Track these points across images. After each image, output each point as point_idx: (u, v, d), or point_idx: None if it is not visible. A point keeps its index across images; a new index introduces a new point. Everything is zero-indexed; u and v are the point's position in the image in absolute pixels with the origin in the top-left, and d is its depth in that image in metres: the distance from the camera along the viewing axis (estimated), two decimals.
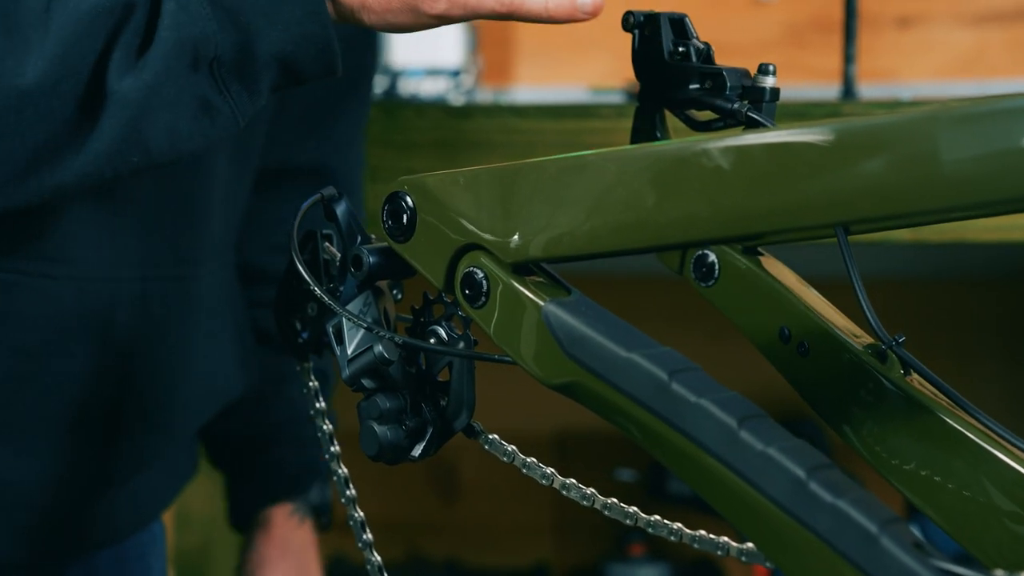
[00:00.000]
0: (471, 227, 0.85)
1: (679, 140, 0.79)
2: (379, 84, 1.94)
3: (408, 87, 1.96)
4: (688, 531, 0.88)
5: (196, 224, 1.19)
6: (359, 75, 1.31)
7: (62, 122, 0.91)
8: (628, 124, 1.34)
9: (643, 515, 0.88)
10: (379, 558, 1.00)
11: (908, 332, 0.86)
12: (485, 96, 2.06)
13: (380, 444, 0.89)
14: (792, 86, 2.00)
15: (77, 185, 0.94)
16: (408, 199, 0.88)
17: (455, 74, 1.96)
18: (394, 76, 1.96)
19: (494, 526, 2.17)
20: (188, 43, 0.91)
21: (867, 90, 1.90)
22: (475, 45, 2.00)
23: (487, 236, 0.85)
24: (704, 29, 1.99)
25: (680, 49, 0.93)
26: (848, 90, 1.50)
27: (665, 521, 0.88)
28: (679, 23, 0.94)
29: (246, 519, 1.41)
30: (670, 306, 1.67)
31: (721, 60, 2.00)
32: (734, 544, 0.87)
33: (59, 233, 1.07)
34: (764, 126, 0.89)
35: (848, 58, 1.48)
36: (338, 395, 1.21)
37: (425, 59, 1.96)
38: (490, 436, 0.91)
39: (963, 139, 0.68)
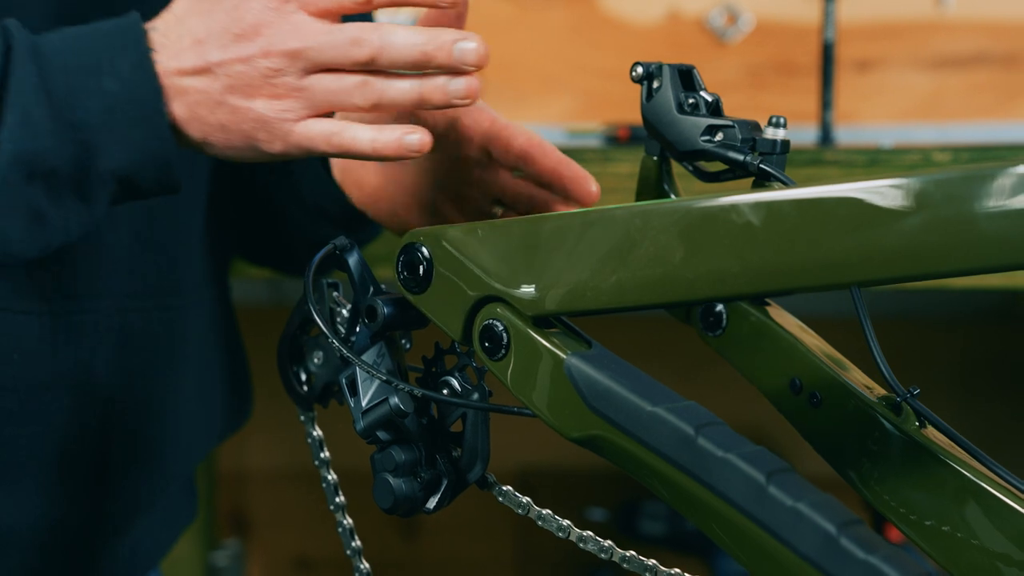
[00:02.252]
0: (491, 280, 0.85)
1: (706, 195, 0.78)
2: None
3: None
4: (663, 568, 0.88)
5: (178, 252, 1.17)
6: None
7: None
8: (616, 169, 1.35)
9: (618, 550, 0.88)
10: None
11: (903, 371, 0.87)
12: None
13: (395, 497, 0.88)
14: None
15: None
16: (424, 250, 0.88)
17: None
18: None
19: (455, 561, 2.16)
20: (26, 156, 0.91)
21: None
22: None
23: (508, 289, 0.84)
24: None
25: (690, 101, 0.93)
26: (826, 136, 1.51)
27: (640, 557, 0.88)
28: (687, 75, 0.94)
29: None
30: (635, 343, 1.68)
31: None
32: None
33: (29, 267, 1.05)
34: (777, 178, 0.89)
35: (826, 104, 1.49)
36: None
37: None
38: (504, 488, 0.90)
39: (1000, 200, 0.69)
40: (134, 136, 0.93)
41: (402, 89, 0.95)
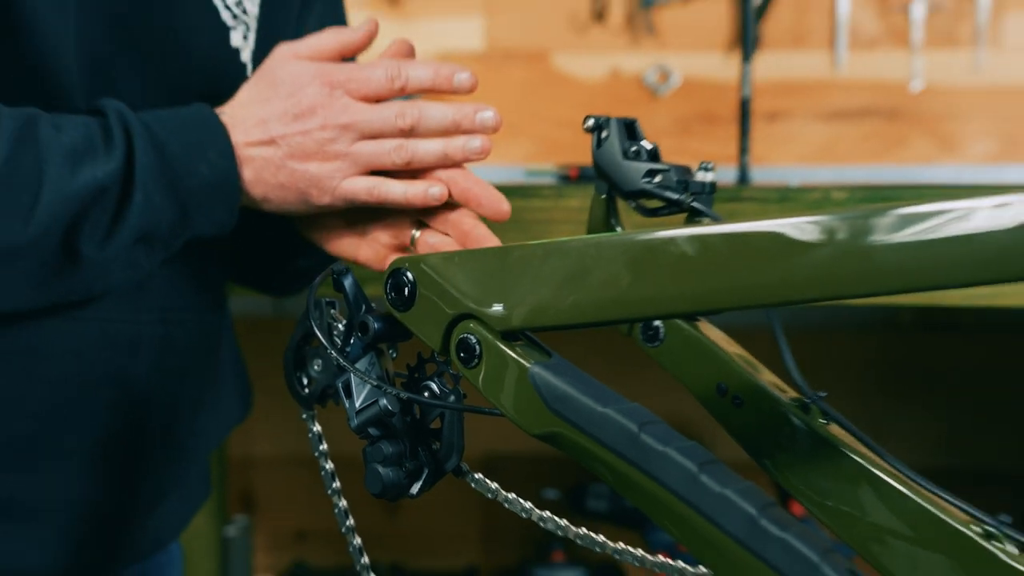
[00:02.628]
0: (465, 300, 0.84)
1: (647, 229, 0.78)
2: None
3: None
4: (611, 544, 0.87)
5: (208, 274, 1.17)
6: None
7: (37, 272, 0.94)
8: (567, 203, 1.35)
9: (573, 528, 0.88)
10: (367, 559, 0.98)
11: (807, 374, 0.87)
12: None
13: (383, 484, 0.87)
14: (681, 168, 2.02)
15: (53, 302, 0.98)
16: (408, 275, 0.87)
17: None
18: None
19: (430, 535, 2.15)
20: (144, 228, 0.97)
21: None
22: None
23: (480, 308, 0.84)
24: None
25: (633, 148, 0.93)
26: (743, 176, 1.51)
27: (592, 534, 0.87)
28: (631, 126, 0.94)
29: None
30: (590, 351, 1.68)
31: None
32: (648, 557, 0.87)
33: None
34: (707, 216, 0.89)
35: (743, 149, 1.49)
36: None
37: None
38: (476, 475, 0.89)
39: (889, 236, 0.69)
40: (217, 208, 1.01)
41: (430, 149, 1.05)
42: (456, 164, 1.07)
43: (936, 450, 2.05)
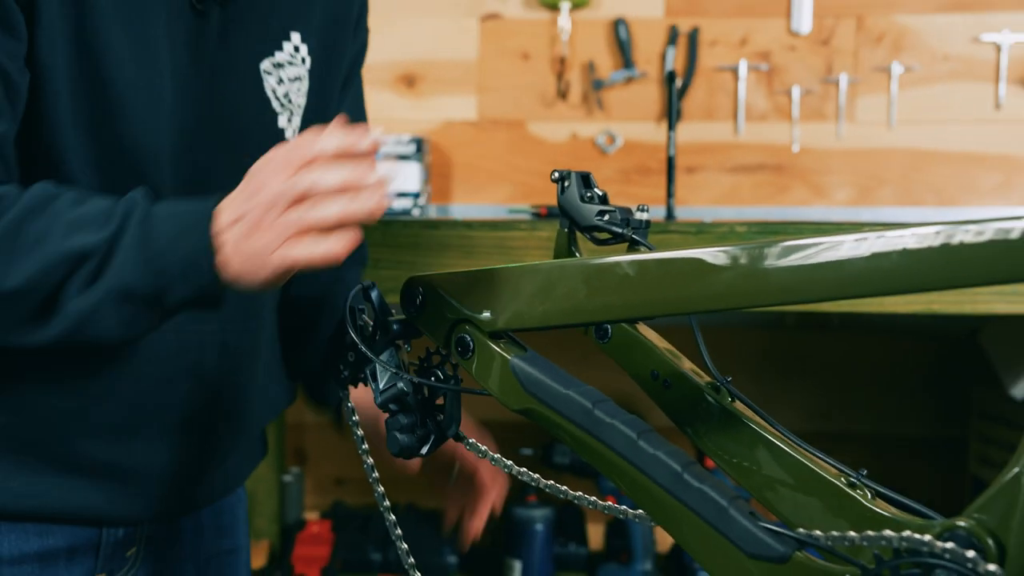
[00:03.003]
0: (462, 309, 0.83)
1: (599, 256, 0.77)
2: None
3: None
4: (571, 492, 0.85)
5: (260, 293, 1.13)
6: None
7: (26, 316, 0.86)
8: (539, 234, 1.34)
9: (542, 479, 0.86)
10: (388, 501, 0.96)
11: (717, 361, 0.86)
12: (433, 211, 2.03)
13: (400, 446, 0.86)
14: (624, 208, 2.02)
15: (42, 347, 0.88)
16: (419, 289, 0.86)
17: (416, 195, 1.93)
18: None
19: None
20: (123, 289, 0.85)
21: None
22: (427, 176, 1.97)
23: (473, 314, 0.82)
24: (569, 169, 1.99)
25: (587, 194, 0.91)
26: (670, 214, 1.50)
27: (556, 484, 0.85)
28: (587, 178, 0.93)
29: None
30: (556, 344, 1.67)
31: None
32: (600, 501, 0.85)
33: None
34: (644, 245, 0.88)
35: (670, 194, 1.48)
36: None
37: (396, 186, 1.93)
38: (470, 440, 0.88)
39: (782, 261, 0.68)
40: (192, 283, 0.86)
41: (332, 210, 0.83)
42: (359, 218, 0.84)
43: (812, 418, 2.05)
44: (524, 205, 1.81)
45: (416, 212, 1.93)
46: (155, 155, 0.94)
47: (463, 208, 2.04)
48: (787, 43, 1.97)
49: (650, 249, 0.87)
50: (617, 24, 1.98)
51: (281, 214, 0.82)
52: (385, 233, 1.34)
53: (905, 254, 0.63)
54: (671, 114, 1.51)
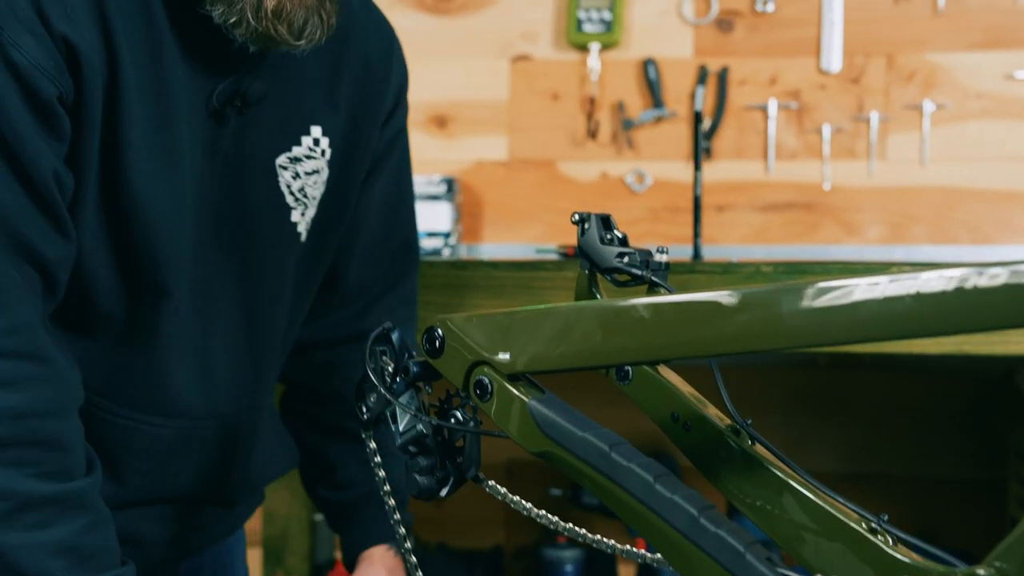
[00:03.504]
0: (481, 351, 0.83)
1: (617, 299, 0.77)
2: None
3: None
4: (590, 535, 0.86)
5: (270, 368, 1.13)
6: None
7: None
8: (564, 274, 1.34)
9: (561, 522, 0.86)
10: (410, 543, 0.96)
11: (743, 401, 0.86)
12: (464, 250, 2.04)
13: (419, 488, 0.87)
14: (654, 246, 2.01)
15: None
16: (439, 331, 0.86)
17: (446, 235, 1.95)
18: None
19: (467, 521, 2.12)
20: None
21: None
22: (457, 216, 1.99)
23: (491, 357, 0.83)
24: (599, 209, 1.99)
25: (607, 237, 0.92)
26: (696, 254, 1.50)
27: (574, 527, 0.86)
28: (607, 220, 0.93)
29: (354, 555, 1.23)
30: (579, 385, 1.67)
31: None
32: (619, 545, 0.85)
33: (169, 393, 1.02)
34: (663, 287, 0.88)
35: (696, 234, 1.48)
36: None
37: (427, 226, 1.94)
38: (489, 482, 0.88)
39: (796, 304, 0.68)
40: None
41: None
42: None
43: (846, 459, 2.02)
44: (552, 245, 1.82)
45: (446, 252, 1.94)
46: (173, 255, 0.96)
47: (493, 248, 2.05)
48: (817, 81, 1.97)
49: (669, 291, 0.87)
50: (646, 64, 1.99)
51: None
52: None
53: (919, 298, 0.63)
54: (697, 154, 1.51)
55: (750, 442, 0.85)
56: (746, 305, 0.69)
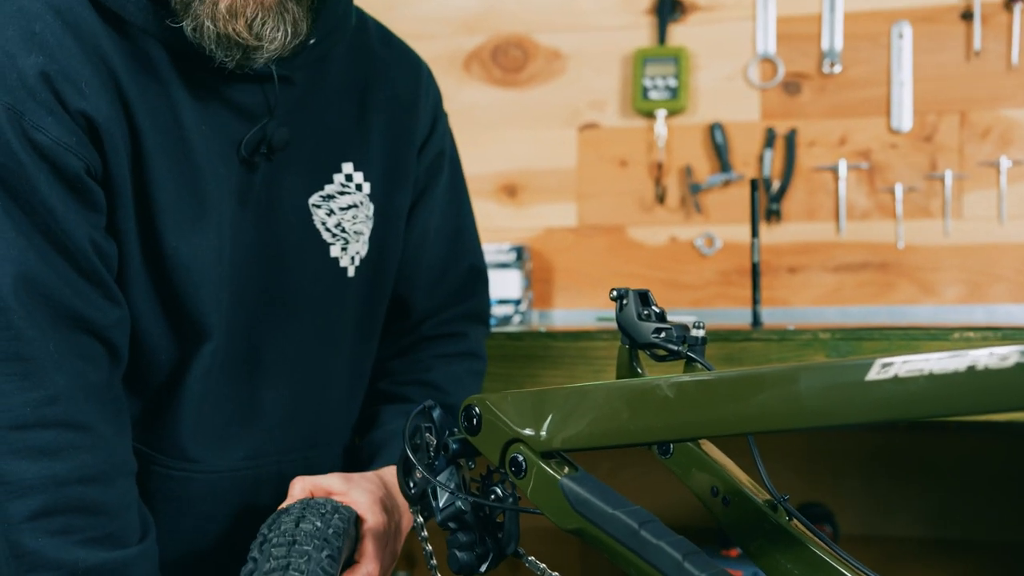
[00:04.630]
0: (516, 428, 0.85)
1: (641, 378, 0.79)
2: None
3: None
4: None
5: (335, 404, 1.15)
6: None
7: None
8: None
9: None
10: None
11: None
12: (535, 316, 2.06)
13: (460, 564, 0.88)
14: (724, 308, 2.01)
15: None
16: (476, 409, 0.89)
17: (517, 302, 1.98)
18: None
19: None
20: None
21: (771, 314, 1.89)
22: (528, 283, 2.02)
23: (526, 433, 0.85)
24: (670, 273, 2.00)
25: (645, 312, 0.93)
26: (756, 320, 1.49)
27: None
28: (644, 295, 0.94)
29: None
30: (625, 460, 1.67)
31: (678, 292, 2.01)
32: None
33: (217, 438, 1.06)
34: (699, 363, 0.89)
35: (755, 300, 1.47)
36: None
37: (497, 293, 1.98)
38: (529, 557, 0.89)
39: (814, 384, 0.68)
40: None
41: None
42: None
43: (929, 524, 1.96)
44: (612, 311, 1.82)
45: (517, 319, 1.97)
46: (214, 304, 1.00)
47: (565, 313, 2.07)
48: (888, 141, 1.96)
49: (705, 366, 0.88)
50: (713, 128, 2.00)
51: None
52: None
53: (931, 379, 0.63)
54: (754, 220, 1.51)
55: (787, 518, 0.85)
56: (764, 385, 0.70)
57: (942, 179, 1.93)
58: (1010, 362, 0.60)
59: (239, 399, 1.05)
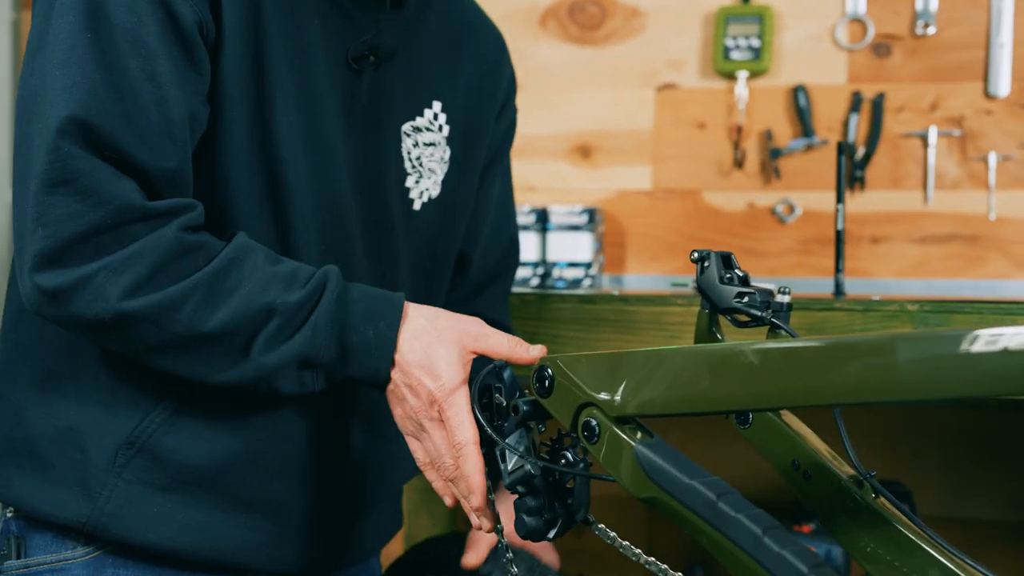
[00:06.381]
0: (589, 391, 0.83)
1: (724, 343, 0.75)
2: (537, 273, 1.94)
3: (557, 273, 1.95)
4: None
5: None
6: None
7: (219, 358, 0.91)
8: (696, 310, 1.31)
9: (671, 571, 0.85)
10: None
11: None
12: (606, 280, 2.03)
13: (527, 528, 0.86)
14: (803, 278, 1.95)
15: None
16: (549, 371, 0.86)
17: (587, 265, 1.94)
18: (548, 267, 1.95)
19: (601, 551, 2.10)
20: (307, 355, 0.93)
21: (852, 285, 1.83)
22: (600, 246, 1.98)
23: (600, 397, 0.82)
24: (747, 240, 1.94)
25: (727, 276, 0.89)
26: (838, 289, 1.44)
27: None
28: (727, 258, 0.91)
29: None
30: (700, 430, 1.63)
31: (755, 260, 1.96)
32: None
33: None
34: (784, 329, 0.85)
35: (838, 269, 1.42)
36: None
37: (568, 256, 1.95)
38: (599, 525, 0.87)
39: (911, 353, 0.64)
40: (370, 363, 0.94)
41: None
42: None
43: (1012, 508, 1.90)
44: (687, 277, 1.78)
45: (587, 282, 1.93)
46: (303, 189, 1.00)
47: (636, 279, 2.03)
48: (982, 107, 1.87)
49: (790, 333, 0.84)
50: (796, 91, 1.94)
51: (430, 420, 0.92)
52: (541, 307, 1.36)
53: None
54: (839, 186, 1.46)
55: (873, 495, 0.81)
56: (856, 354, 0.66)
57: None
58: None
59: None
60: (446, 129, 1.14)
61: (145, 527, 0.98)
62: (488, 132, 1.20)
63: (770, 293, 0.88)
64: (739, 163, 1.97)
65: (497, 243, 1.29)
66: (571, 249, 1.96)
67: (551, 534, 0.86)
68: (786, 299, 0.87)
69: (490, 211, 1.26)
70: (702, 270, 0.91)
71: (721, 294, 0.89)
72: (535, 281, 1.95)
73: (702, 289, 0.90)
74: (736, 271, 0.90)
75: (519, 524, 0.86)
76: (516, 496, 0.87)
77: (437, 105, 1.13)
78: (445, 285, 1.21)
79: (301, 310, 0.92)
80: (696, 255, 0.91)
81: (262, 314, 0.91)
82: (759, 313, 0.86)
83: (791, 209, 1.95)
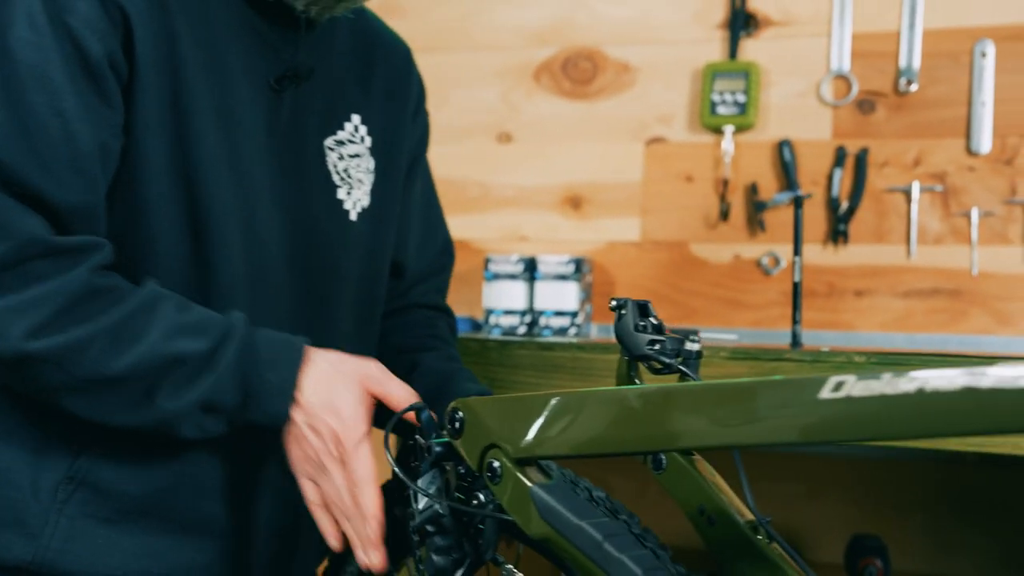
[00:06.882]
0: (493, 434, 0.85)
1: (615, 387, 0.77)
2: (524, 321, 1.96)
3: (544, 321, 1.97)
4: None
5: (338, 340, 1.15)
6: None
7: (122, 402, 0.93)
8: None
9: None
10: None
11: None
12: (594, 330, 2.05)
13: (435, 568, 0.88)
14: (785, 330, 1.95)
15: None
16: (460, 413, 0.89)
17: (574, 314, 1.96)
18: (536, 315, 1.97)
19: None
20: (211, 402, 0.94)
21: (835, 338, 1.84)
22: (587, 295, 2.00)
23: (503, 440, 0.84)
24: (732, 292, 1.96)
25: (641, 324, 0.92)
26: (796, 340, 1.45)
27: None
28: (644, 307, 0.93)
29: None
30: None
31: (741, 312, 1.97)
32: None
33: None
34: (691, 377, 0.87)
35: (795, 320, 1.43)
36: None
37: (555, 304, 1.97)
38: (507, 566, 0.89)
39: (771, 399, 0.66)
40: (268, 408, 0.96)
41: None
42: None
43: (994, 566, 1.87)
44: (687, 327, 1.80)
45: (573, 331, 1.95)
46: (226, 213, 1.02)
47: None
48: (965, 163, 1.88)
49: (695, 380, 0.86)
50: (781, 146, 1.96)
51: (316, 469, 0.95)
52: (502, 353, 1.38)
53: (883, 400, 0.60)
54: (797, 238, 1.48)
55: (768, 541, 0.82)
56: (722, 398, 0.68)
57: (1022, 204, 1.84)
58: (957, 384, 0.57)
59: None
60: (368, 140, 1.18)
61: (93, 559, 1.00)
62: (405, 139, 1.24)
63: (680, 341, 0.90)
64: (725, 215, 2.00)
65: (430, 247, 1.32)
66: (558, 298, 1.98)
67: (458, 573, 0.88)
68: (696, 347, 0.89)
69: (415, 215, 1.29)
70: (619, 317, 0.93)
71: (635, 341, 0.91)
72: (522, 329, 1.97)
73: (619, 336, 0.93)
74: (651, 319, 0.92)
75: (428, 563, 0.88)
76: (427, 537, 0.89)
77: (356, 118, 1.17)
78: (383, 291, 1.23)
79: (206, 358, 0.93)
80: (614, 303, 0.93)
81: (167, 362, 0.92)
82: (668, 360, 0.88)
83: (776, 261, 1.97)
